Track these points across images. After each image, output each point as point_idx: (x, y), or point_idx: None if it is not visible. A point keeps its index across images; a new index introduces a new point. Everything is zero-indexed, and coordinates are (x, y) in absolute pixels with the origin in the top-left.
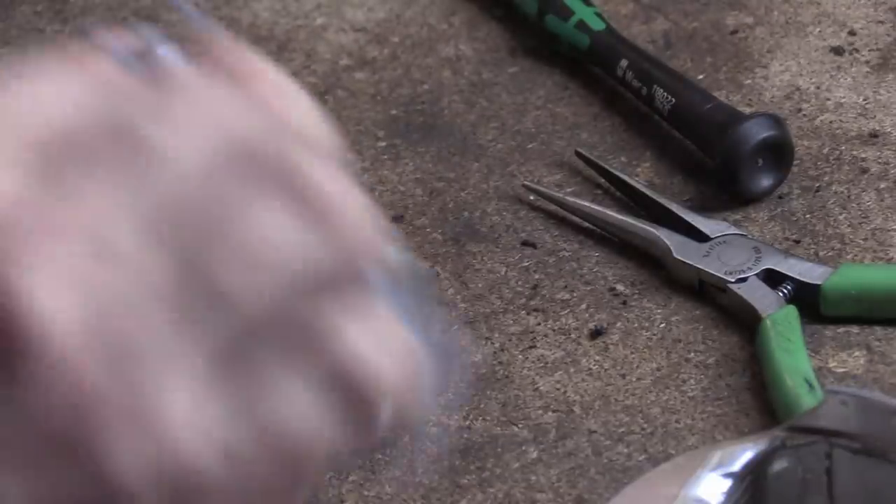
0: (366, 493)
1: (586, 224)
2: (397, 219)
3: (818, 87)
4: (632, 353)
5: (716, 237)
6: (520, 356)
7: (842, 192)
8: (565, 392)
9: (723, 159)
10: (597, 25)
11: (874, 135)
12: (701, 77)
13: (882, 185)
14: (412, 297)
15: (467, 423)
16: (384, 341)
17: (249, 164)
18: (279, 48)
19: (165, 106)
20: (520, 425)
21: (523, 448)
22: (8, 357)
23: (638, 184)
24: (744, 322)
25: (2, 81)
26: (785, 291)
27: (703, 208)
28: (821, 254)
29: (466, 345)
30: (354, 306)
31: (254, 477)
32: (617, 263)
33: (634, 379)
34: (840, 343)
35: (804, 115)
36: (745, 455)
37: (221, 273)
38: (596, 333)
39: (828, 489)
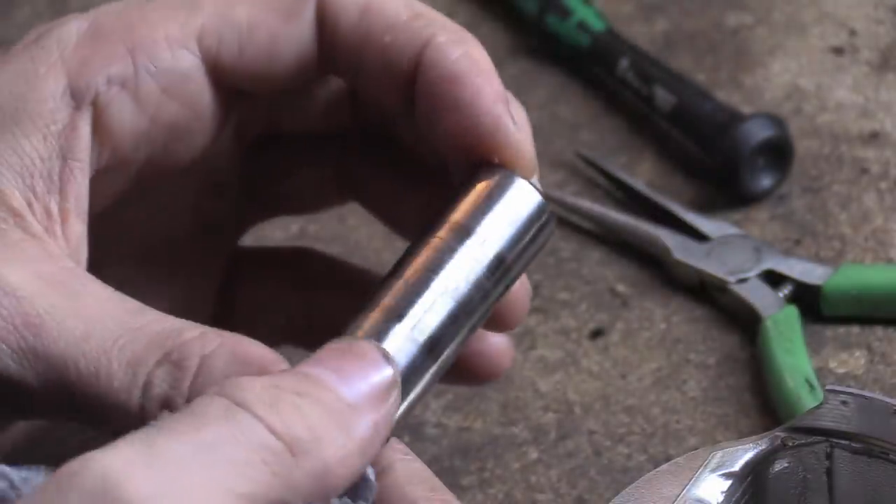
0: None
1: (586, 224)
2: None
3: (818, 87)
4: (632, 353)
5: (716, 237)
6: (520, 356)
7: (842, 192)
8: (565, 392)
9: (723, 159)
10: (597, 25)
11: (874, 135)
12: (701, 77)
13: (882, 185)
14: None
15: (467, 423)
16: None
17: None
18: None
19: None
20: (520, 425)
21: (523, 448)
22: None
23: (638, 184)
24: (744, 322)
25: None
26: (785, 292)
27: (703, 208)
28: (821, 254)
29: None
30: None
31: None
32: (617, 263)
33: (635, 379)
34: (840, 343)
35: (804, 115)
36: (745, 455)
37: None
38: (596, 333)
39: (828, 489)
